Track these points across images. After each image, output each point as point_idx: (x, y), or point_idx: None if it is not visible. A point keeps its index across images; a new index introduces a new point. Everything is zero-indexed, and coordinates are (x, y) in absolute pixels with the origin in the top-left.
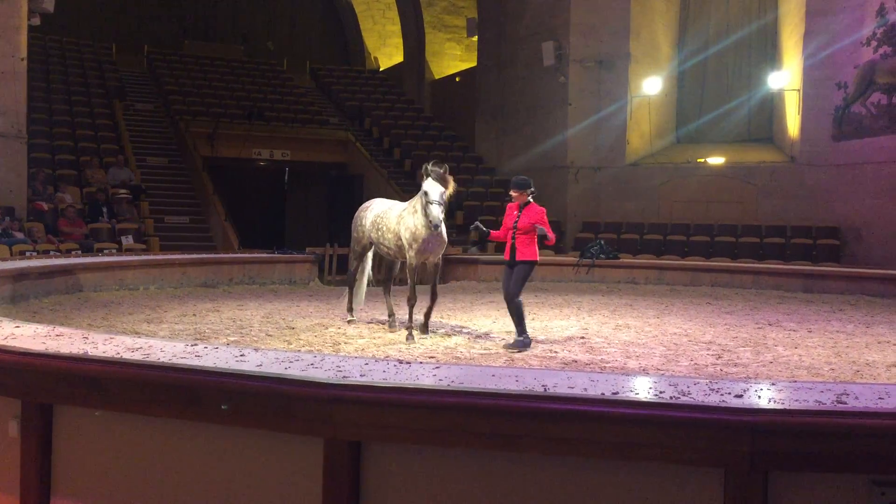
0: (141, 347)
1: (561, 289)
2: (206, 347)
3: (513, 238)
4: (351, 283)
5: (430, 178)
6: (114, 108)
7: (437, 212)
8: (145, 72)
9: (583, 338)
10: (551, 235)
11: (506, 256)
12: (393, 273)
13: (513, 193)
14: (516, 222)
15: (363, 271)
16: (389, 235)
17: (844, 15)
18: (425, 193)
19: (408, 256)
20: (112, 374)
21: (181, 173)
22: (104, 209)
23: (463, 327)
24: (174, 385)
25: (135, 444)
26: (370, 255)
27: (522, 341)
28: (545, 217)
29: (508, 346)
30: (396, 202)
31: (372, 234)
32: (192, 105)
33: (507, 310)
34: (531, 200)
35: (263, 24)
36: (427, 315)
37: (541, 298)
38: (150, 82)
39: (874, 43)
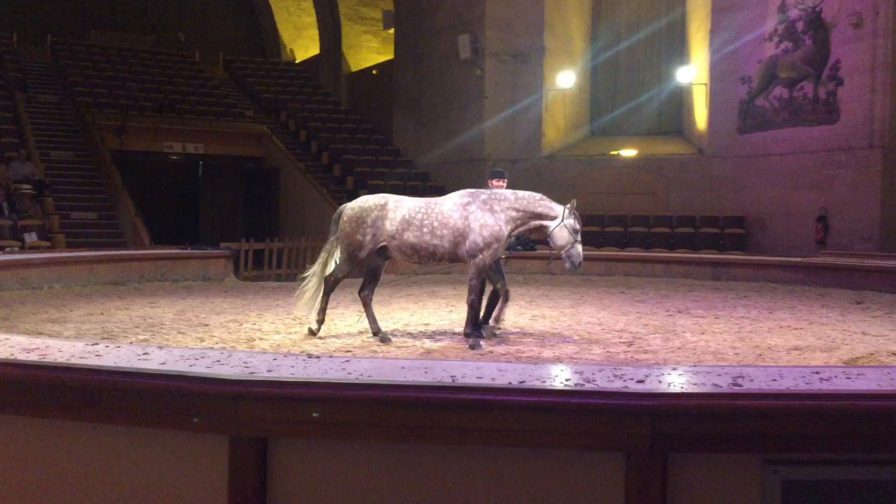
0: (38, 348)
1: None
2: (107, 346)
3: None
4: (330, 290)
5: (574, 217)
6: (15, 100)
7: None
8: (49, 63)
9: (499, 328)
10: None
11: None
12: (377, 279)
13: (494, 183)
14: None
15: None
16: (445, 232)
17: (748, 11)
18: (576, 231)
19: (482, 255)
20: (4, 376)
21: (88, 167)
22: (5, 205)
23: (380, 321)
24: (71, 386)
25: (29, 447)
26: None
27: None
28: None
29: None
30: (416, 198)
31: (407, 235)
32: (99, 97)
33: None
34: None
35: (174, 15)
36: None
37: (458, 290)
38: (54, 73)
39: (776, 38)
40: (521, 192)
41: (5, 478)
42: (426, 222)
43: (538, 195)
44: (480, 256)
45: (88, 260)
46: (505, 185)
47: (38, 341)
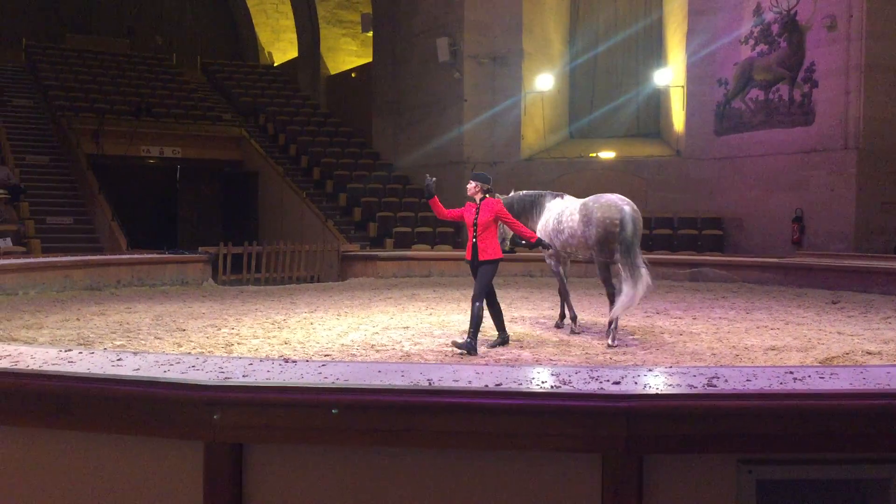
0: (10, 355)
1: (459, 283)
2: (80, 353)
3: (474, 236)
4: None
5: None
6: None
7: None
8: (24, 66)
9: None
10: (527, 233)
11: (467, 256)
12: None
13: (468, 186)
14: (476, 219)
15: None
16: None
17: (724, 14)
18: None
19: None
20: None
21: (64, 172)
22: None
23: (360, 324)
24: (43, 393)
25: (1, 455)
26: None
27: (469, 344)
28: (505, 210)
29: (456, 344)
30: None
31: None
32: (75, 101)
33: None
34: (487, 195)
35: (151, 18)
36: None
37: (439, 293)
38: (30, 77)
39: (752, 41)
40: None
41: None
42: None
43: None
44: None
45: (64, 265)
46: (483, 189)
47: (11, 348)
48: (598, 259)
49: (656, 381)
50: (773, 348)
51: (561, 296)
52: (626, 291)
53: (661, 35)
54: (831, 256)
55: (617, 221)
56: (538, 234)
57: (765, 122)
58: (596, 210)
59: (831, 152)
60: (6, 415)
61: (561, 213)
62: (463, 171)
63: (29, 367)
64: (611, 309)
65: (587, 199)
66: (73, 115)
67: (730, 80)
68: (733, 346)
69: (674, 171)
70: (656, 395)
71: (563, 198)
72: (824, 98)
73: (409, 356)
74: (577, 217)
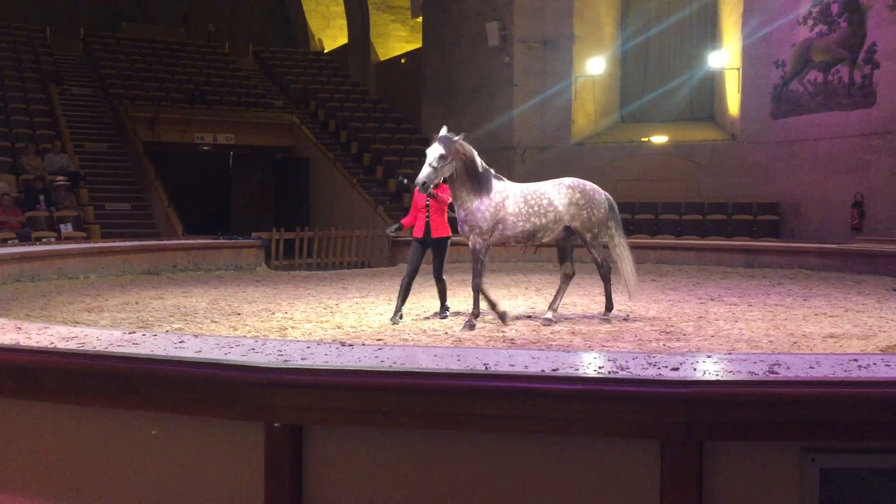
0: (76, 336)
1: (509, 268)
2: (144, 335)
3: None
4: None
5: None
6: (49, 92)
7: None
8: (82, 55)
9: (529, 317)
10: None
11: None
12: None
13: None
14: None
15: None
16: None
17: None
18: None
19: None
20: (44, 364)
21: (121, 159)
22: (41, 197)
23: (411, 309)
24: (109, 374)
25: (68, 435)
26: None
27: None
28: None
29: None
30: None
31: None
32: (132, 89)
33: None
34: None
35: (204, 6)
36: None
37: (489, 278)
38: (87, 66)
39: (810, 21)
40: None
41: (47, 464)
42: None
43: None
44: None
45: (123, 250)
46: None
47: (77, 330)
48: (597, 240)
49: (716, 368)
50: (832, 336)
51: (477, 289)
52: (629, 262)
53: (716, 16)
54: (892, 242)
55: (609, 202)
56: (480, 214)
57: (823, 104)
58: (595, 193)
59: (893, 135)
60: (74, 395)
61: (529, 195)
62: (513, 156)
63: (95, 349)
64: (607, 285)
65: (553, 182)
66: (129, 103)
67: (787, 61)
68: (791, 334)
69: (728, 155)
70: (716, 382)
71: (502, 179)
72: (886, 79)
73: (460, 341)
74: (564, 200)
